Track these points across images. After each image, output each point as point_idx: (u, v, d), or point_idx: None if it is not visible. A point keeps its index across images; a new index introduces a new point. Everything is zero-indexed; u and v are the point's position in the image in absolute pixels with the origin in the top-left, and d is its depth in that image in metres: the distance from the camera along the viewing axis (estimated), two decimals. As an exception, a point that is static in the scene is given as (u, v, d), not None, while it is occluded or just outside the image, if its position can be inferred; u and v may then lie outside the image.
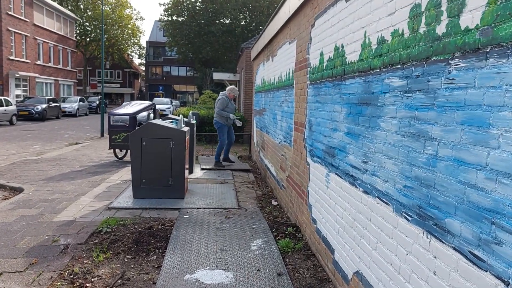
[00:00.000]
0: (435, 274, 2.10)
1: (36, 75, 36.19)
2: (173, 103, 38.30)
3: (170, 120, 7.79)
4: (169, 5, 42.00)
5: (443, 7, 2.08)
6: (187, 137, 7.23)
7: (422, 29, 2.29)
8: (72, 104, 33.62)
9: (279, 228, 5.49)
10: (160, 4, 52.76)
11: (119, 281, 3.92)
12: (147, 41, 66.99)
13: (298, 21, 5.83)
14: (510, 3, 1.61)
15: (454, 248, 1.95)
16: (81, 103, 35.05)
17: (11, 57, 32.22)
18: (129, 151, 9.72)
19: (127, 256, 4.54)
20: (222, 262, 4.30)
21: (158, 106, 28.35)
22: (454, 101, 1.98)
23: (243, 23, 41.64)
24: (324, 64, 4.34)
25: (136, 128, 10.29)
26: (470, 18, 1.87)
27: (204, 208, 6.41)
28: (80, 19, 47.44)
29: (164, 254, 4.57)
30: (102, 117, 18.37)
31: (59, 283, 3.88)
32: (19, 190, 7.65)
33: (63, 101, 33.83)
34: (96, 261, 4.40)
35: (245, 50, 17.68)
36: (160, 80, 66.37)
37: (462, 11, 1.93)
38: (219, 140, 10.09)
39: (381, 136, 2.83)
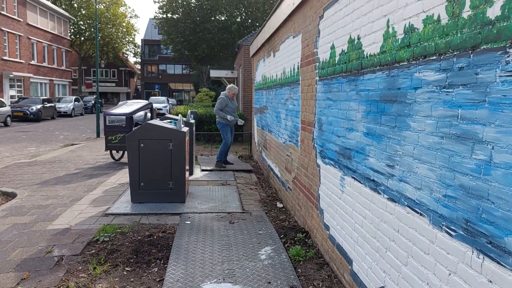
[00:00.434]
0: (490, 301, 1.78)
1: (31, 75, 35.69)
2: (169, 102, 37.89)
3: (169, 120, 7.45)
4: (164, 3, 41.47)
5: (496, -14, 1.76)
6: (187, 138, 6.90)
7: (466, 13, 1.97)
8: (67, 104, 33.14)
9: (287, 234, 5.17)
10: (155, 2, 52.11)
11: (118, 298, 3.60)
12: (142, 39, 66.37)
13: (303, 13, 5.50)
14: None
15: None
16: (76, 103, 34.57)
17: (4, 57, 31.73)
18: (126, 152, 9.37)
19: (126, 269, 4.21)
20: (230, 274, 3.98)
21: (154, 105, 28.01)
22: (514, 97, 1.66)
23: (239, 19, 41.19)
24: (336, 58, 4.01)
25: (133, 128, 9.96)
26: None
27: (206, 213, 6.08)
28: (74, 18, 46.82)
29: (166, 265, 4.25)
30: (97, 117, 18.00)
31: (52, 302, 3.55)
32: (12, 196, 7.30)
33: (58, 101, 33.35)
34: (93, 275, 4.07)
35: (243, 46, 17.32)
36: (156, 78, 65.84)
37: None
38: (224, 139, 9.76)
39: (411, 138, 2.50)
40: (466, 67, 1.97)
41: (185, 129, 6.88)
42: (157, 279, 3.97)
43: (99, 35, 48.29)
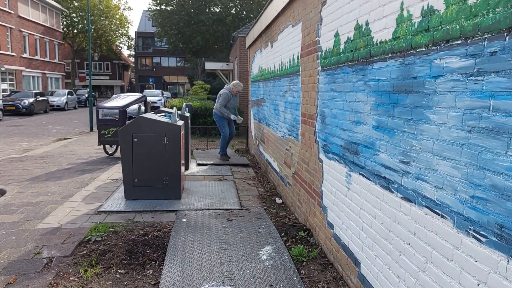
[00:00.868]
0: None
1: (23, 68, 35.13)
2: (164, 95, 37.45)
3: (163, 114, 7.19)
4: (158, -6, 40.92)
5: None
6: (182, 132, 6.64)
7: (501, -10, 1.73)
8: (60, 97, 32.64)
9: (288, 232, 4.95)
10: (148, -6, 51.64)
11: (110, 305, 3.37)
12: (135, 32, 65.62)
13: (303, 1, 5.23)
14: None
15: None
16: (69, 96, 34.08)
17: (-5, 51, 31.19)
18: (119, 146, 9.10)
19: (120, 271, 3.97)
20: (229, 276, 3.75)
21: (149, 98, 27.66)
22: None
23: (233, 11, 40.70)
24: (341, 47, 3.76)
25: (127, 122, 9.68)
26: None
27: (203, 210, 5.85)
28: (66, 10, 46.08)
29: (161, 267, 4.02)
30: (90, 111, 17.66)
31: (39, 309, 3.31)
32: (1, 192, 7.03)
33: (51, 95, 32.84)
34: (84, 278, 3.83)
35: (238, 38, 17.00)
36: (150, 71, 65.20)
37: None
38: (222, 133, 9.61)
39: (430, 131, 2.27)
40: (500, 52, 1.74)
41: (180, 122, 6.63)
42: (152, 282, 3.74)
43: (92, 27, 47.67)
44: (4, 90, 31.93)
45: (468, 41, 1.94)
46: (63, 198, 6.53)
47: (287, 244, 4.58)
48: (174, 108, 7.12)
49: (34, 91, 29.03)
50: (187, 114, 8.91)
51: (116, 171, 8.53)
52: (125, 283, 3.75)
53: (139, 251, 4.40)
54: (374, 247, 3.04)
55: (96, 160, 10.10)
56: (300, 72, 5.39)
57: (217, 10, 40.32)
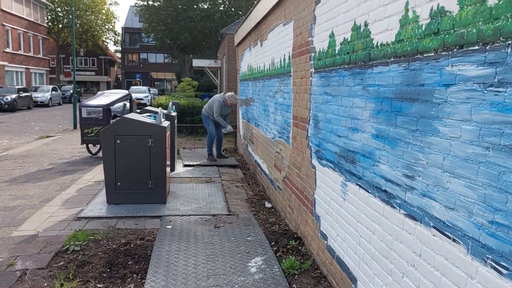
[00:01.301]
0: None
1: (5, 63, 34.27)
2: (151, 92, 36.93)
3: (148, 114, 6.90)
4: (145, -11, 40.30)
5: None
6: (168, 133, 6.37)
7: (529, -10, 1.52)
8: (44, 93, 31.93)
9: (279, 241, 4.72)
10: (136, -12, 50.73)
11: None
12: (122, 27, 64.66)
13: (296, -2, 5.00)
14: None
15: None
16: (54, 92, 33.37)
17: (-23, 45, 30.37)
18: (103, 147, 8.78)
19: (98, 286, 3.71)
20: (216, 292, 3.52)
21: (135, 95, 27.16)
22: None
23: (222, 8, 40.31)
24: (337, 48, 3.54)
25: (111, 120, 9.37)
26: None
27: (189, 215, 5.59)
28: (51, 5, 45.13)
29: (144, 280, 3.76)
30: (74, 108, 17.22)
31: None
32: (-24, 196, 6.69)
33: (35, 91, 32.09)
34: (60, 293, 3.56)
35: (227, 35, 16.72)
36: (137, 67, 64.36)
37: None
38: (208, 131, 9.47)
39: (440, 145, 2.06)
40: (528, 60, 1.52)
41: (166, 123, 6.35)
42: (134, 299, 3.49)
43: (78, 22, 46.82)
44: (-14, 86, 31.12)
45: (487, 47, 1.73)
46: (42, 202, 6.22)
47: (278, 255, 4.35)
48: (160, 108, 6.84)
49: (17, 87, 28.35)
50: (174, 114, 8.63)
51: (99, 172, 8.22)
52: (104, 299, 3.49)
53: (120, 263, 4.13)
54: (372, 264, 2.83)
55: (78, 160, 9.76)
56: (292, 73, 5.16)
57: (205, 7, 39.91)
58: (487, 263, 1.73)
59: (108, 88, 60.39)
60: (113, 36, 58.89)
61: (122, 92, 11.32)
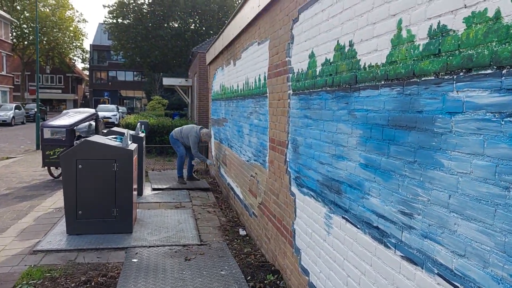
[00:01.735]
0: None
1: (-35, 80, 32.88)
2: (119, 110, 36.09)
3: (114, 136, 6.48)
4: (114, 7, 39.67)
5: None
6: (135, 156, 5.98)
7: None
8: (6, 112, 30.66)
9: (255, 275, 4.38)
10: (104, 6, 49.97)
11: None
12: (90, 45, 63.50)
13: (271, 17, 4.78)
14: None
15: None
16: (17, 111, 32.12)
17: None
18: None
19: (52, 334, 3.26)
20: (187, 339, 3.13)
21: (103, 114, 26.42)
22: None
23: (193, 27, 40.08)
24: (318, 69, 3.30)
25: (75, 142, 8.86)
26: None
27: (157, 246, 5.18)
28: (16, 21, 43.85)
29: (105, 326, 3.34)
30: (37, 127, 16.44)
31: None
32: None
33: (-4, 109, 30.85)
34: None
35: (198, 54, 16.47)
36: (106, 85, 63.13)
37: None
38: (177, 152, 9.23)
39: (445, 181, 1.81)
40: (559, 88, 1.29)
41: (133, 146, 5.97)
42: None
43: (44, 39, 45.69)
44: None
45: (504, 71, 1.50)
46: (-6, 233, 5.67)
47: (254, 291, 4.01)
48: (127, 130, 6.45)
49: (-23, 105, 27.09)
50: (142, 134, 8.23)
51: (60, 198, 7.67)
52: None
53: (78, 305, 3.70)
54: (363, 309, 2.54)
55: (39, 184, 9.16)
56: (268, 94, 4.91)
57: (176, 25, 39.61)
58: (510, 324, 1.46)
59: (75, 106, 58.89)
60: (81, 53, 57.74)
61: (88, 112, 10.80)
